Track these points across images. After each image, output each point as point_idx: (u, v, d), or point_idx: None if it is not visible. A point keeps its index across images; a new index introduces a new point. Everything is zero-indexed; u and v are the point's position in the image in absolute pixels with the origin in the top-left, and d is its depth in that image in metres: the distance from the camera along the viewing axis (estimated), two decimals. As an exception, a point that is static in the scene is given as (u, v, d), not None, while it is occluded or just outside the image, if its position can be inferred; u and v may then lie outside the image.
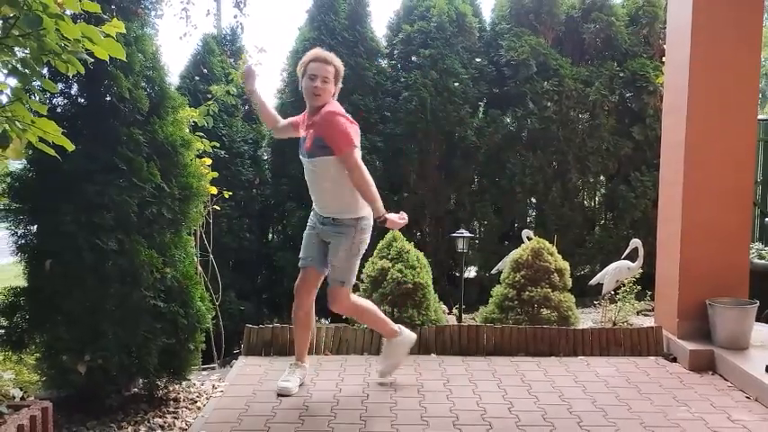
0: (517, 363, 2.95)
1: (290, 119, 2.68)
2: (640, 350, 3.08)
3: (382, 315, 2.68)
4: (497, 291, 3.55)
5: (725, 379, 2.74)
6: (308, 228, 2.61)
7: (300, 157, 2.51)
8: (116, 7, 2.32)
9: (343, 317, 3.35)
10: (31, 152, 2.19)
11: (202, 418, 2.31)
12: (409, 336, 2.70)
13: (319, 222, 2.54)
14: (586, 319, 3.90)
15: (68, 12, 1.74)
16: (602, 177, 5.27)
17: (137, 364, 2.30)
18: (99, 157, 2.24)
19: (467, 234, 3.82)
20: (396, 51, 4.97)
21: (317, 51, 2.49)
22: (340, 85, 2.51)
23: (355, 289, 3.33)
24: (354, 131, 2.42)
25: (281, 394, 2.49)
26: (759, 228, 4.76)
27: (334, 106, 2.44)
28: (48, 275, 2.22)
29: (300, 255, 2.60)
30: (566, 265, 3.53)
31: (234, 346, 3.99)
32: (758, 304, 2.95)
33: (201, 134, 3.21)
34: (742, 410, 2.38)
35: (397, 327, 2.68)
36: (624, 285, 3.81)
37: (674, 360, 2.99)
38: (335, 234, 2.47)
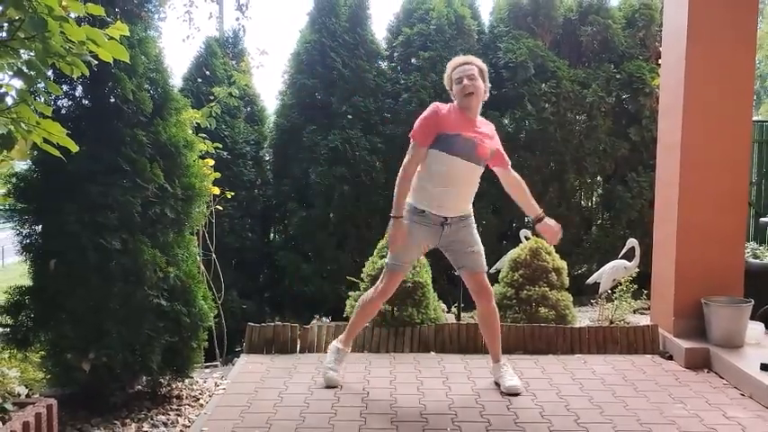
0: (515, 360, 2.97)
1: (419, 154, 2.41)
2: (637, 348, 3.11)
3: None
4: (496, 290, 3.56)
5: (720, 376, 2.76)
6: (416, 235, 2.44)
7: (461, 158, 2.38)
8: (120, 10, 2.35)
9: (345, 315, 3.39)
10: (35, 153, 2.22)
11: (205, 415, 2.33)
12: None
13: (439, 224, 2.45)
14: (584, 318, 3.93)
15: (73, 15, 1.76)
16: (599, 178, 5.30)
17: (140, 362, 2.33)
18: (103, 158, 2.26)
19: (466, 234, 3.84)
20: (396, 53, 5.01)
21: (457, 58, 2.55)
22: (489, 84, 2.52)
23: (356, 288, 3.38)
24: None
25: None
26: (754, 228, 4.79)
27: (490, 123, 2.57)
28: (52, 275, 2.24)
29: (402, 260, 2.47)
30: (563, 264, 3.56)
31: (236, 344, 4.02)
32: (753, 303, 2.98)
33: (204, 135, 3.25)
34: (737, 408, 2.41)
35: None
36: (621, 284, 3.84)
37: (670, 358, 3.02)
38: (464, 227, 2.52)
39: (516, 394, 2.51)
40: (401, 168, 2.44)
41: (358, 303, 2.68)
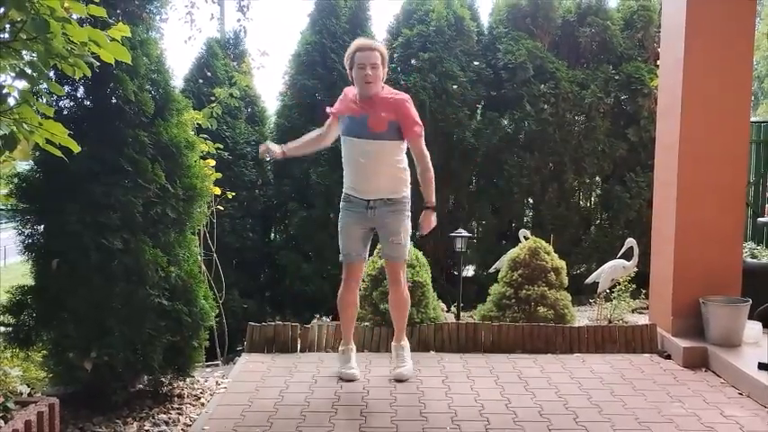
0: (514, 360, 2.99)
1: (322, 129, 2.68)
2: (635, 347, 3.13)
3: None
4: (495, 289, 3.59)
5: (718, 375, 2.77)
6: (348, 223, 2.52)
7: (352, 138, 2.47)
8: (122, 11, 2.36)
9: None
10: (37, 153, 2.23)
11: (206, 413, 2.34)
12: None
13: (363, 207, 2.48)
14: (582, 317, 3.94)
15: (75, 16, 1.77)
16: (597, 178, 5.31)
17: (142, 361, 2.34)
18: (105, 159, 2.27)
19: (465, 234, 3.87)
20: (395, 55, 5.02)
21: (361, 41, 2.56)
22: (387, 68, 2.55)
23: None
24: None
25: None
26: (752, 227, 4.81)
27: (402, 94, 2.57)
28: (54, 274, 2.25)
29: (348, 251, 2.53)
30: (562, 264, 3.57)
31: (237, 343, 4.03)
32: (751, 302, 2.99)
33: (205, 136, 3.26)
34: (734, 406, 2.42)
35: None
36: (619, 284, 3.86)
37: (668, 357, 3.04)
38: (391, 213, 2.50)
39: (401, 381, 2.56)
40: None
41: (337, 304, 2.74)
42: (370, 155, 2.46)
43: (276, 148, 2.65)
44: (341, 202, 2.61)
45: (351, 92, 2.59)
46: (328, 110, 2.63)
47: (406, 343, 2.74)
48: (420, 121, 2.53)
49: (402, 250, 2.56)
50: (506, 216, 5.14)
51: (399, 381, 2.58)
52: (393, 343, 2.77)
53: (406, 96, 2.57)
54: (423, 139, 2.55)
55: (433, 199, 2.59)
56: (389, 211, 2.51)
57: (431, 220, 2.59)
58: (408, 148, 2.59)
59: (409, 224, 2.59)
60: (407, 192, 2.57)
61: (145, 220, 2.34)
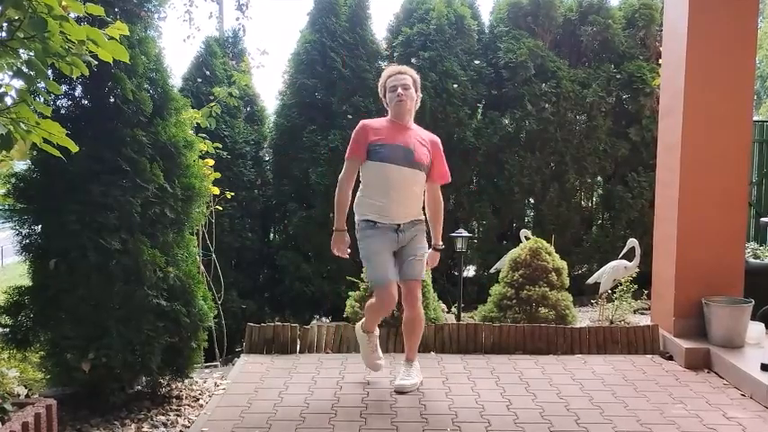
0: (515, 361, 2.98)
1: (347, 177, 2.49)
2: (637, 348, 3.11)
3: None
4: (496, 290, 3.58)
5: (720, 377, 2.76)
6: (379, 248, 2.45)
7: (395, 165, 2.42)
8: (120, 10, 2.34)
9: (345, 315, 3.39)
10: (35, 153, 2.22)
11: (205, 415, 2.33)
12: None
13: (393, 231, 2.47)
14: (584, 318, 3.93)
15: (72, 14, 1.76)
16: (599, 178, 5.30)
17: (140, 362, 2.32)
18: (103, 158, 2.26)
19: (465, 234, 3.86)
20: (396, 53, 5.01)
21: (391, 67, 2.60)
22: (419, 94, 2.58)
23: (356, 288, 3.38)
24: None
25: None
26: (754, 228, 4.79)
27: (434, 135, 2.60)
28: (52, 275, 2.24)
29: (385, 272, 2.44)
30: (563, 264, 3.56)
31: (236, 344, 4.02)
32: (753, 303, 2.98)
33: (204, 135, 3.24)
34: (737, 408, 2.41)
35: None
36: (621, 284, 3.84)
37: (670, 358, 3.02)
38: (416, 231, 2.53)
39: (402, 393, 2.52)
40: (338, 185, 2.49)
41: (366, 311, 2.67)
42: (405, 185, 2.47)
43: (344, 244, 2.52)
44: (361, 231, 2.48)
45: (373, 122, 2.53)
46: (352, 156, 2.47)
47: (417, 363, 2.67)
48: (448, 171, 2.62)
49: (422, 266, 2.56)
50: (507, 216, 5.13)
51: (399, 393, 2.53)
52: (404, 362, 2.64)
53: (438, 139, 2.61)
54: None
55: (441, 243, 2.67)
56: (415, 229, 2.54)
57: (436, 260, 2.70)
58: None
59: (425, 241, 2.60)
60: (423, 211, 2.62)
61: (143, 220, 2.32)
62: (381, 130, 2.48)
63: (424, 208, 2.58)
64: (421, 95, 2.61)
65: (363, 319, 2.66)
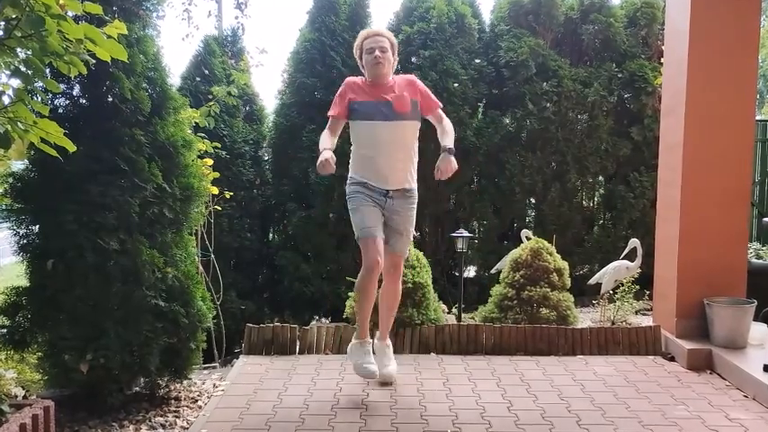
0: (516, 362, 2.96)
1: (335, 125, 2.51)
2: (639, 349, 3.09)
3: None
4: (496, 290, 3.56)
5: (723, 378, 2.75)
6: (365, 202, 2.43)
7: (376, 121, 2.39)
8: (118, 8, 2.33)
9: (344, 316, 3.37)
10: (33, 153, 2.20)
11: (204, 416, 2.32)
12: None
13: (382, 195, 2.44)
14: (585, 319, 3.91)
15: (70, 13, 1.75)
16: (600, 178, 5.28)
17: (138, 363, 2.32)
18: (101, 158, 2.25)
19: (466, 234, 3.84)
20: (395, 52, 4.98)
21: (367, 30, 2.57)
22: (396, 56, 2.55)
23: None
24: None
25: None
26: (757, 228, 4.78)
27: (409, 75, 2.57)
28: (50, 275, 2.23)
29: (367, 224, 2.40)
30: (565, 264, 3.54)
31: (235, 345, 4.01)
32: (756, 303, 2.96)
33: (203, 135, 3.24)
34: (739, 409, 2.39)
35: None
36: (623, 285, 3.83)
37: (673, 359, 3.01)
38: (407, 206, 2.49)
39: (389, 383, 2.51)
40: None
41: (355, 292, 2.66)
42: (396, 139, 2.44)
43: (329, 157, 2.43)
44: (350, 186, 2.49)
45: (356, 80, 2.54)
46: (333, 112, 2.50)
47: (389, 342, 2.69)
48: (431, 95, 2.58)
49: (408, 243, 2.56)
50: (508, 216, 5.11)
51: (388, 383, 2.50)
52: (377, 341, 2.62)
53: (413, 76, 2.59)
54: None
55: (452, 145, 2.50)
56: (405, 202, 2.50)
57: (451, 162, 2.44)
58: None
59: (415, 219, 2.58)
60: (415, 185, 2.57)
61: (141, 220, 2.31)
62: (362, 88, 2.50)
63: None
64: (397, 59, 2.56)
65: (355, 332, 2.64)
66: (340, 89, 2.52)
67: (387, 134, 2.43)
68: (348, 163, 2.58)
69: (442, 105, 2.60)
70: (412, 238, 2.58)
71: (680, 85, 3.05)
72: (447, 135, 2.53)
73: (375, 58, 2.44)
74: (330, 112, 2.52)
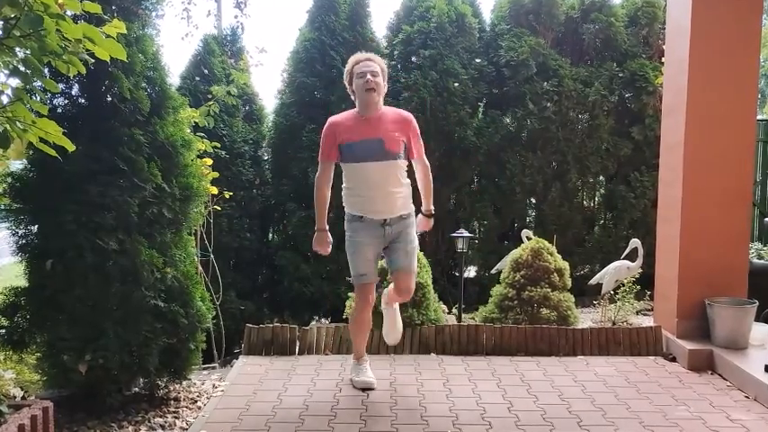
0: (517, 362, 2.95)
1: (324, 178, 2.50)
2: (639, 350, 3.09)
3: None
4: (497, 290, 3.55)
5: (724, 378, 2.74)
6: (362, 243, 2.45)
7: (368, 162, 2.38)
8: (117, 8, 2.33)
9: (344, 316, 3.36)
10: (31, 152, 2.20)
11: (203, 417, 2.31)
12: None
13: (379, 225, 2.43)
14: (586, 319, 3.90)
15: (69, 12, 1.74)
16: (601, 177, 5.27)
17: (137, 364, 2.31)
18: (100, 158, 2.25)
19: (466, 234, 3.83)
20: (396, 52, 4.97)
21: (357, 55, 2.53)
22: (386, 83, 2.50)
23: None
24: None
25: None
26: (758, 228, 4.77)
27: (406, 113, 2.53)
28: (49, 275, 2.22)
29: (364, 271, 2.48)
30: (565, 264, 3.53)
31: (234, 345, 4.00)
32: (757, 304, 2.95)
33: (202, 134, 3.23)
34: (741, 410, 2.39)
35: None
36: (624, 285, 3.82)
37: (674, 359, 3.00)
38: (405, 225, 2.50)
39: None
40: (315, 185, 2.51)
41: (350, 323, 2.70)
42: (388, 174, 2.43)
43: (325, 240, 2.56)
44: (348, 222, 2.50)
45: (340, 119, 2.47)
46: (323, 158, 2.47)
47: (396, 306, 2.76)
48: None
49: (414, 259, 2.55)
50: (508, 216, 5.10)
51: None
52: (384, 304, 2.71)
53: (411, 116, 2.53)
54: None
55: (432, 208, 2.65)
56: (403, 224, 2.51)
57: (428, 224, 2.68)
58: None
59: (415, 234, 2.59)
60: (413, 209, 2.58)
61: (141, 220, 2.31)
62: (350, 128, 2.43)
63: (415, 196, 2.54)
64: (387, 86, 2.52)
65: (354, 350, 2.68)
66: (325, 131, 2.46)
67: (379, 173, 2.41)
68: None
69: (424, 151, 2.56)
70: (417, 254, 2.57)
71: (681, 85, 3.04)
72: (427, 195, 2.60)
73: (367, 82, 2.38)
74: (320, 158, 2.48)
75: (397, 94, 4.87)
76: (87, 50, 1.64)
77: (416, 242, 2.56)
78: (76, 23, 1.59)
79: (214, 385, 2.71)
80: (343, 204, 2.53)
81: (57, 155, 1.70)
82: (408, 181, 2.52)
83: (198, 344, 2.49)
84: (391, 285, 2.61)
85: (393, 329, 2.74)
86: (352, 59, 2.50)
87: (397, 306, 2.74)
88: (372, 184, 2.41)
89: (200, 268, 3.10)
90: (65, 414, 2.27)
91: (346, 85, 2.51)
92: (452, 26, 4.87)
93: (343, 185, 2.52)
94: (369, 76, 2.39)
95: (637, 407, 2.41)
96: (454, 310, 4.00)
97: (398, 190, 2.45)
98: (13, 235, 2.30)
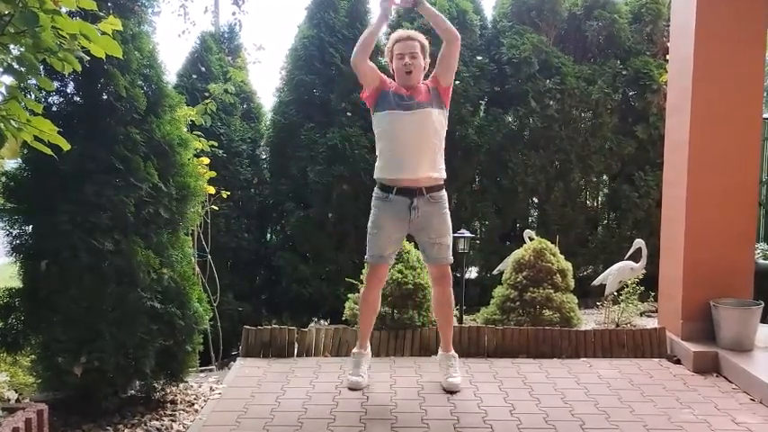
0: (519, 364, 2.92)
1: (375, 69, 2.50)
2: (643, 352, 3.06)
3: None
4: (499, 291, 3.53)
5: (729, 381, 2.71)
6: (386, 224, 2.42)
7: (396, 111, 2.38)
8: (113, 4, 2.30)
9: (344, 318, 3.33)
10: (26, 151, 2.17)
11: (200, 420, 2.29)
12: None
13: (406, 207, 2.38)
14: (589, 321, 3.87)
15: (64, 9, 1.71)
16: (604, 177, 5.22)
17: (133, 366, 2.28)
18: (95, 157, 2.22)
19: (468, 234, 3.79)
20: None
21: (399, 32, 2.53)
22: (428, 59, 2.51)
23: (355, 289, 3.32)
24: None
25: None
26: (764, 228, 4.72)
27: None
28: (43, 276, 2.20)
29: (382, 252, 2.44)
30: (568, 265, 3.50)
31: (232, 347, 3.97)
32: (763, 305, 2.93)
33: (199, 133, 3.20)
34: (746, 413, 2.36)
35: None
36: (627, 286, 3.78)
37: (678, 362, 2.97)
38: (436, 212, 2.45)
39: (454, 392, 2.50)
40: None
41: (359, 303, 2.68)
42: (418, 129, 2.40)
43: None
44: (375, 200, 2.48)
45: (386, 78, 2.53)
46: (363, 93, 2.51)
47: (455, 353, 2.64)
48: None
49: (449, 251, 2.53)
50: (510, 216, 5.06)
51: (452, 392, 2.50)
52: (442, 352, 2.64)
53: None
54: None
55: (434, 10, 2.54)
56: (432, 211, 2.44)
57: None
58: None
59: (450, 221, 2.53)
60: (444, 176, 2.50)
61: (137, 220, 2.28)
62: (389, 84, 2.48)
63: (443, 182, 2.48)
64: (429, 60, 2.53)
65: (358, 335, 2.66)
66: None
67: (410, 123, 2.40)
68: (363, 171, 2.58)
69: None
70: (451, 244, 2.53)
71: (685, 83, 3.01)
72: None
73: (405, 65, 2.42)
74: (362, 94, 2.54)
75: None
76: (83, 48, 1.62)
77: (448, 238, 2.49)
78: (72, 20, 1.58)
79: (211, 388, 2.69)
80: (374, 177, 2.50)
81: (52, 154, 1.67)
82: (443, 144, 2.47)
83: (195, 346, 2.46)
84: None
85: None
86: (393, 36, 2.51)
87: (454, 353, 2.63)
88: (401, 135, 2.40)
89: (197, 269, 3.07)
90: (60, 417, 2.24)
91: (386, 59, 2.53)
92: (453, 23, 4.80)
93: (377, 149, 2.50)
94: (407, 59, 2.42)
95: (641, 410, 2.39)
96: (455, 312, 3.97)
97: (428, 144, 2.39)
98: (7, 235, 2.27)
